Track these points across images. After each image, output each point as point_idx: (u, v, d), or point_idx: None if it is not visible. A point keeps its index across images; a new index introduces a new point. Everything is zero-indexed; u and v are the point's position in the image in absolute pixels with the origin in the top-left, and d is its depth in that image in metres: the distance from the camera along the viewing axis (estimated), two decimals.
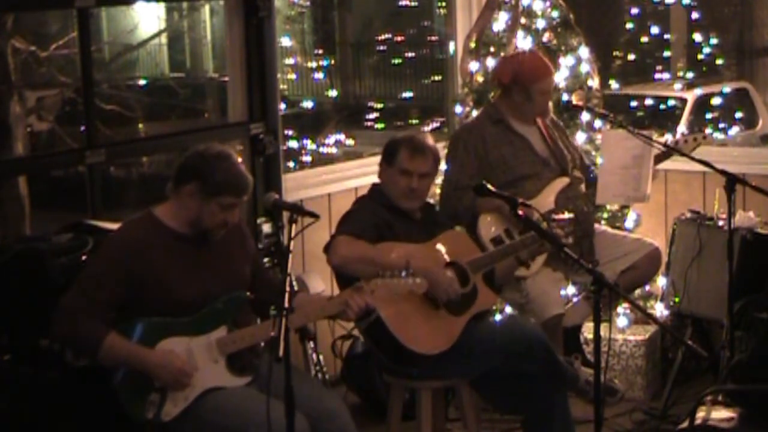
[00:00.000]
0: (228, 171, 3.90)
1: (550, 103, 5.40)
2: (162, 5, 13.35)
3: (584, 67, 5.96)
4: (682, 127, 11.64)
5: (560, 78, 5.88)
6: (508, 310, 5.23)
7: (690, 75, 14.08)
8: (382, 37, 16.72)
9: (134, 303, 3.82)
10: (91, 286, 3.80)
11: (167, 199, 3.97)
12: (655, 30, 14.46)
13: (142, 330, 3.79)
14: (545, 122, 5.40)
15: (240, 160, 4.04)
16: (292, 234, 3.58)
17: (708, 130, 5.74)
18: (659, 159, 5.32)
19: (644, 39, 14.67)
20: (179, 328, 3.82)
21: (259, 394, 3.75)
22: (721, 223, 5.32)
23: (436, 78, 14.58)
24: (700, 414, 4.16)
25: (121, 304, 3.81)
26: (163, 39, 15.42)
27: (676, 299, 5.48)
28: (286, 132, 9.69)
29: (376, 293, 3.91)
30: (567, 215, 4.79)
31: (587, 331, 5.67)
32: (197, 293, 3.87)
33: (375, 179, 6.00)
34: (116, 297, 3.80)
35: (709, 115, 12.55)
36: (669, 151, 5.26)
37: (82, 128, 5.21)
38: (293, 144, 11.16)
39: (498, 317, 4.85)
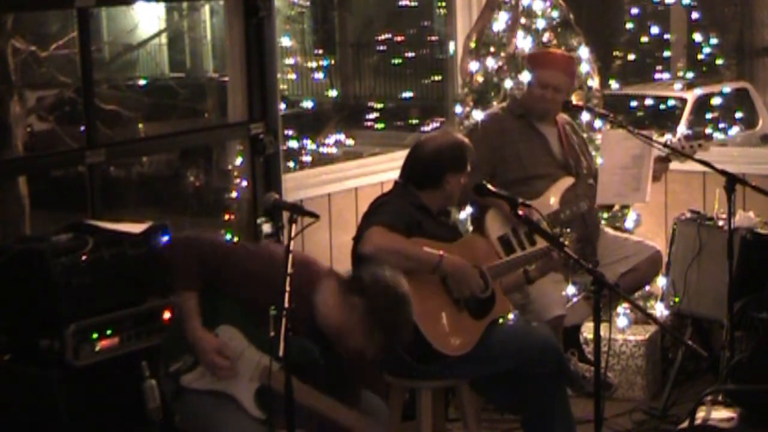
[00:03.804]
0: (401, 322, 3.86)
1: (549, 107, 5.37)
2: (162, 5, 13.35)
3: (584, 67, 5.96)
4: (682, 127, 11.63)
5: None
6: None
7: (690, 75, 14.07)
8: (382, 37, 16.70)
9: (229, 283, 3.85)
10: (223, 246, 3.93)
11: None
12: (655, 30, 14.44)
13: (223, 307, 3.83)
14: (565, 126, 5.41)
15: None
16: (292, 234, 3.58)
17: (708, 130, 5.70)
18: (665, 160, 5.31)
19: (644, 39, 14.66)
20: (247, 330, 3.83)
21: None
22: (721, 223, 5.32)
23: (436, 78, 14.56)
24: (700, 414, 4.16)
25: (217, 279, 3.85)
26: (163, 39, 15.41)
27: (676, 299, 5.49)
28: (286, 132, 9.68)
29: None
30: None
31: (587, 331, 5.66)
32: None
33: (375, 179, 6.02)
34: (222, 273, 3.84)
35: (709, 115, 12.55)
36: (672, 154, 5.25)
37: (82, 128, 5.20)
38: (293, 144, 11.14)
39: (510, 321, 4.86)
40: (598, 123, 5.87)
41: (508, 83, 5.83)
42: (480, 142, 5.19)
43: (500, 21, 5.99)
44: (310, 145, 11.92)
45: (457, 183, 4.55)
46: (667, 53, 15.09)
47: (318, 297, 3.85)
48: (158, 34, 14.22)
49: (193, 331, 3.78)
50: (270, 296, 3.57)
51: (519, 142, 5.25)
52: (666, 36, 14.92)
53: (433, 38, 15.86)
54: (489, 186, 4.57)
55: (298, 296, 3.56)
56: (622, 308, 5.77)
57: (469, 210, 5.39)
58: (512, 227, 5.02)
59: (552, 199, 5.19)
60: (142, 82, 14.27)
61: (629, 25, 15.16)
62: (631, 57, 14.96)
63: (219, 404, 3.79)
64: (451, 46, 6.77)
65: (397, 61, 16.55)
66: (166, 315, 4.21)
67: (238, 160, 5.63)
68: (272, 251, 3.96)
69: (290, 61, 13.30)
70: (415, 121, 14.21)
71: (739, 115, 12.67)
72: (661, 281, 5.64)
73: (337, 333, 3.83)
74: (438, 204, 4.57)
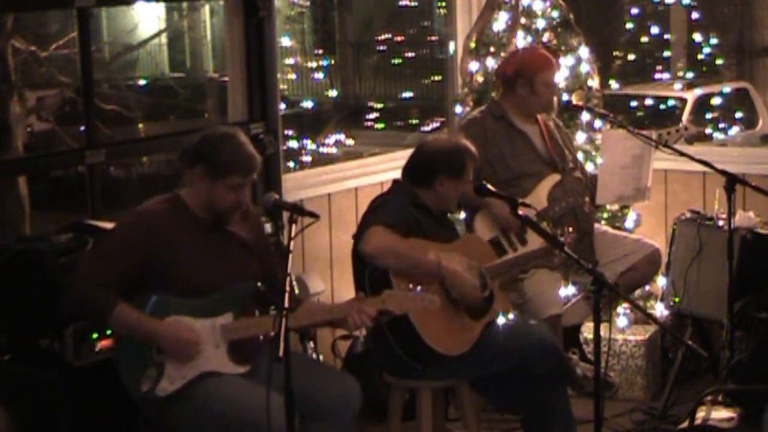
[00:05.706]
0: (232, 151, 3.95)
1: (555, 99, 5.39)
2: (162, 5, 13.36)
3: (584, 67, 5.96)
4: None
5: (560, 78, 5.87)
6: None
7: (690, 75, 14.09)
8: (382, 37, 16.71)
9: (144, 278, 3.85)
10: (109, 255, 3.88)
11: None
12: (655, 30, 14.47)
13: (151, 304, 3.82)
14: (546, 122, 5.40)
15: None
16: (292, 234, 3.58)
17: (708, 130, 5.70)
18: None
19: (644, 39, 14.68)
20: (187, 308, 3.85)
21: (256, 385, 3.76)
22: (721, 223, 5.31)
23: (436, 78, 14.56)
24: (700, 414, 4.17)
25: (133, 276, 3.85)
26: (163, 39, 15.43)
27: (676, 299, 5.48)
28: (286, 132, 9.69)
29: (387, 303, 3.93)
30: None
31: (587, 331, 5.67)
32: (207, 278, 3.89)
33: (375, 179, 6.01)
34: (131, 268, 3.84)
35: (709, 115, 12.56)
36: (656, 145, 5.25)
37: (82, 128, 5.21)
38: (293, 144, 11.15)
39: (509, 319, 4.85)
40: (598, 123, 5.86)
41: None
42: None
43: (500, 21, 5.98)
44: (310, 145, 11.92)
45: (452, 187, 4.52)
46: (667, 53, 15.11)
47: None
48: (158, 34, 14.24)
49: (150, 325, 3.78)
50: (171, 248, 3.81)
51: (502, 143, 5.24)
52: (666, 36, 14.95)
53: (433, 38, 15.87)
54: (489, 186, 4.56)
55: (171, 237, 3.86)
56: (622, 308, 5.77)
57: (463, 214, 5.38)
58: (501, 229, 5.02)
59: (540, 196, 5.18)
60: (142, 82, 14.29)
61: (629, 25, 15.18)
62: (631, 57, 14.98)
63: (205, 387, 3.79)
64: (451, 46, 6.77)
65: (397, 61, 16.56)
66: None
67: None
68: (138, 211, 4.01)
69: (290, 61, 13.31)
70: (415, 121, 14.22)
71: (739, 115, 12.69)
72: (661, 281, 5.64)
73: (210, 206, 3.95)
74: (434, 204, 4.56)
